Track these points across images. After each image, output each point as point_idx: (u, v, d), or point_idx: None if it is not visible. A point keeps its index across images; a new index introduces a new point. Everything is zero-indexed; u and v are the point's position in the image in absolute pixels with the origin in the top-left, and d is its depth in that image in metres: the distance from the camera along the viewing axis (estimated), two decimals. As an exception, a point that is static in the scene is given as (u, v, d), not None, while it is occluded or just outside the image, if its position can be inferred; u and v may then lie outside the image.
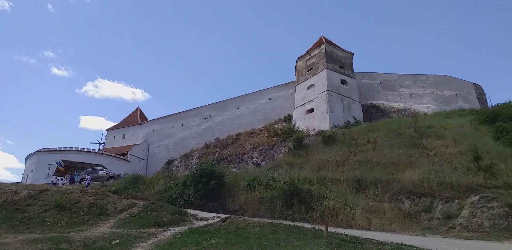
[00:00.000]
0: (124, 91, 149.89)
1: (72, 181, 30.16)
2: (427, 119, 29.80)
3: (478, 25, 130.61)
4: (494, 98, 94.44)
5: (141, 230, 14.52)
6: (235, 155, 39.88)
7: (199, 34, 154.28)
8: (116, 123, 59.35)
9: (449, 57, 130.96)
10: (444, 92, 45.09)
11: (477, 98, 45.79)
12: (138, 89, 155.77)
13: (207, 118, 50.86)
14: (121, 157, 46.57)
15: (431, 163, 20.64)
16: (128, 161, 46.76)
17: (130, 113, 59.66)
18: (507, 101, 33.12)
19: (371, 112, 42.82)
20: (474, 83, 47.42)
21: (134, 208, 18.47)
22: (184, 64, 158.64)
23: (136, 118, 56.82)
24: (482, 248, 10.95)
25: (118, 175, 31.38)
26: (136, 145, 51.08)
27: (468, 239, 12.96)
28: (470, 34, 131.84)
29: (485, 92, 47.51)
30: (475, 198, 15.67)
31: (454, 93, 45.03)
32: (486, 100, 45.91)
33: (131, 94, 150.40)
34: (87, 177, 28.04)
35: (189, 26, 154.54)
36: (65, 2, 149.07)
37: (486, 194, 15.58)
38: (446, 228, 14.65)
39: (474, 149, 19.20)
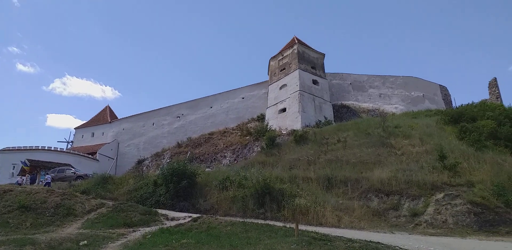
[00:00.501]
0: (93, 89, 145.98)
1: (33, 181, 29.11)
2: (395, 120, 30.66)
3: (445, 28, 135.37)
4: (459, 99, 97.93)
5: (110, 230, 14.24)
6: (208, 154, 39.67)
7: (173, 32, 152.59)
8: (85, 122, 57.86)
9: (416, 59, 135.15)
10: (412, 93, 46.53)
11: (443, 99, 47.59)
12: (108, 87, 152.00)
13: (179, 117, 50.36)
14: (90, 156, 45.44)
15: (399, 161, 21.26)
16: (97, 160, 45.68)
17: (99, 111, 58.34)
18: (470, 102, 34.60)
19: (342, 112, 43.67)
20: (440, 85, 49.26)
21: (103, 208, 18.07)
22: (156, 62, 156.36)
23: (106, 116, 55.58)
24: (446, 244, 11.35)
25: (86, 175, 30.68)
26: (106, 144, 49.96)
27: (433, 235, 13.44)
28: (437, 37, 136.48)
29: (450, 93, 49.57)
30: (440, 195, 16.28)
31: (421, 94, 46.54)
32: (451, 101, 47.81)
33: (101, 92, 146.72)
34: (47, 176, 27.15)
35: (161, 24, 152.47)
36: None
37: (450, 192, 16.22)
38: (413, 225, 15.14)
39: (439, 148, 19.90)
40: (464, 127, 24.58)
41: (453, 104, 45.52)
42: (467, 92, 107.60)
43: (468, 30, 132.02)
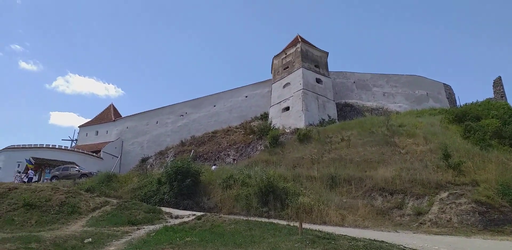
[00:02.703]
0: (96, 87, 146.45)
1: (30, 180, 29.14)
2: (399, 118, 30.60)
3: (449, 27, 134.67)
4: (463, 98, 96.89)
5: (114, 228, 14.28)
6: (211, 152, 39.73)
7: (175, 31, 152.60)
8: (89, 120, 58.21)
9: (420, 58, 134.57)
10: (416, 92, 46.36)
11: (447, 98, 47.34)
12: (110, 85, 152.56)
13: (182, 115, 50.44)
14: (94, 154, 45.64)
15: (403, 160, 21.23)
16: (101, 158, 45.89)
17: (103, 110, 58.57)
18: (475, 101, 34.52)
19: (345, 111, 43.54)
20: (444, 84, 48.97)
21: (107, 206, 18.12)
22: (159, 61, 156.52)
23: (110, 115, 55.80)
24: (451, 243, 11.32)
25: (90, 173, 30.72)
26: (110, 142, 50.18)
27: (438, 234, 13.40)
28: (441, 36, 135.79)
29: (454, 92, 49.27)
30: (444, 194, 16.24)
31: (425, 93, 46.35)
32: (455, 100, 47.55)
33: (104, 90, 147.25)
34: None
35: (164, 23, 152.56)
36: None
37: (455, 191, 16.19)
38: (417, 224, 15.11)
39: (443, 147, 19.85)
40: (469, 126, 24.51)
41: (457, 103, 45.29)
42: (471, 91, 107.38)
43: (472, 29, 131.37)
